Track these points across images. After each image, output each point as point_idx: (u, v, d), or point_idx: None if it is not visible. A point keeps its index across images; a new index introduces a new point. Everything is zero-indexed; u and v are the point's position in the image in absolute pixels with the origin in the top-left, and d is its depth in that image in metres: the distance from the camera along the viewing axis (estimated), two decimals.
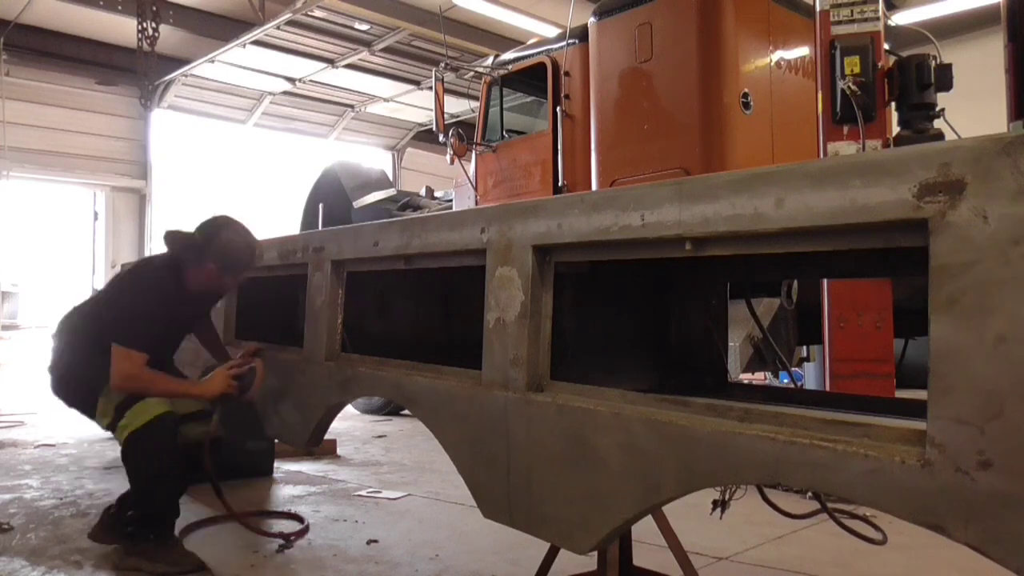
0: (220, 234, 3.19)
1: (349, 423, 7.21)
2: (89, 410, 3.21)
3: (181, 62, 12.62)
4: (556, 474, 1.84)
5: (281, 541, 3.40)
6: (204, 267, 3.19)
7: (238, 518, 3.49)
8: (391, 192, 8.63)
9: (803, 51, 5.65)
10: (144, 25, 10.11)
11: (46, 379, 3.33)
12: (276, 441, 4.60)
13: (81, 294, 12.05)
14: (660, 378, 2.64)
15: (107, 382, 3.08)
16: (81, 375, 3.21)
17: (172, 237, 3.31)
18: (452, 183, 8.00)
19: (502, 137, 6.87)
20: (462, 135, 6.63)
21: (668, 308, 2.70)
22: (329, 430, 3.01)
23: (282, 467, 5.01)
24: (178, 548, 3.15)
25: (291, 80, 14.04)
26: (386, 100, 15.41)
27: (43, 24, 12.04)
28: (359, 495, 4.32)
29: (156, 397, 3.09)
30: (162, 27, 10.33)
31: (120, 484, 3.57)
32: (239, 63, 12.68)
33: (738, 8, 5.23)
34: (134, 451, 3.07)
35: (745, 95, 5.17)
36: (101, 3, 11.02)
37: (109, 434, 3.25)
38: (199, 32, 11.88)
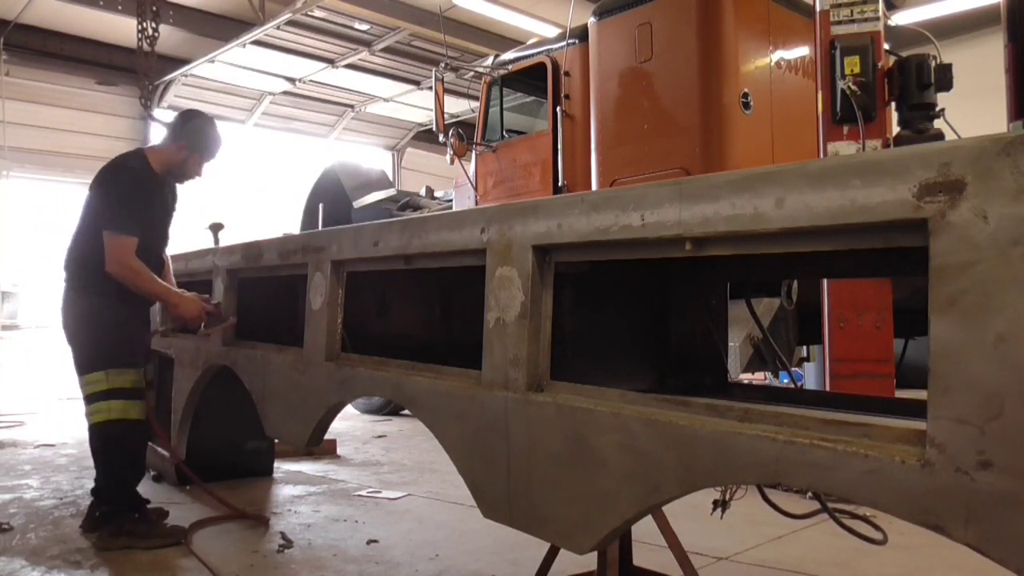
0: (195, 118, 3.60)
1: (349, 423, 7.21)
2: (85, 364, 3.35)
3: (181, 62, 12.62)
4: (556, 474, 1.84)
5: (281, 541, 3.40)
6: (175, 144, 3.52)
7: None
8: (391, 192, 8.63)
9: (803, 51, 5.65)
10: (144, 25, 10.08)
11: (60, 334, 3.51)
12: (276, 441, 4.60)
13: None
14: (660, 378, 2.64)
15: (112, 363, 3.30)
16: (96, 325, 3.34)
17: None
18: (452, 183, 8.00)
19: (502, 137, 6.87)
20: (462, 135, 6.63)
21: (668, 308, 2.70)
22: (329, 430, 3.01)
23: (282, 467, 5.01)
24: (161, 524, 3.41)
25: (291, 80, 14.05)
26: (386, 100, 15.42)
27: (43, 24, 12.05)
28: (359, 495, 4.32)
29: (142, 292, 3.37)
30: (162, 27, 10.29)
31: None
32: (239, 63, 12.69)
33: (738, 8, 5.23)
34: (114, 438, 3.32)
35: (745, 95, 5.17)
36: (101, 3, 11.03)
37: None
38: (199, 32, 11.89)
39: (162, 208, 3.59)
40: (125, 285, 3.34)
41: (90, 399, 3.36)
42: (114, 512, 3.35)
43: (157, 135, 13.77)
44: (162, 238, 3.65)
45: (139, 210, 3.38)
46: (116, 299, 3.38)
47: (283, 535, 3.49)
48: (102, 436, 3.35)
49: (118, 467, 3.39)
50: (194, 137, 3.53)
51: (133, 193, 3.38)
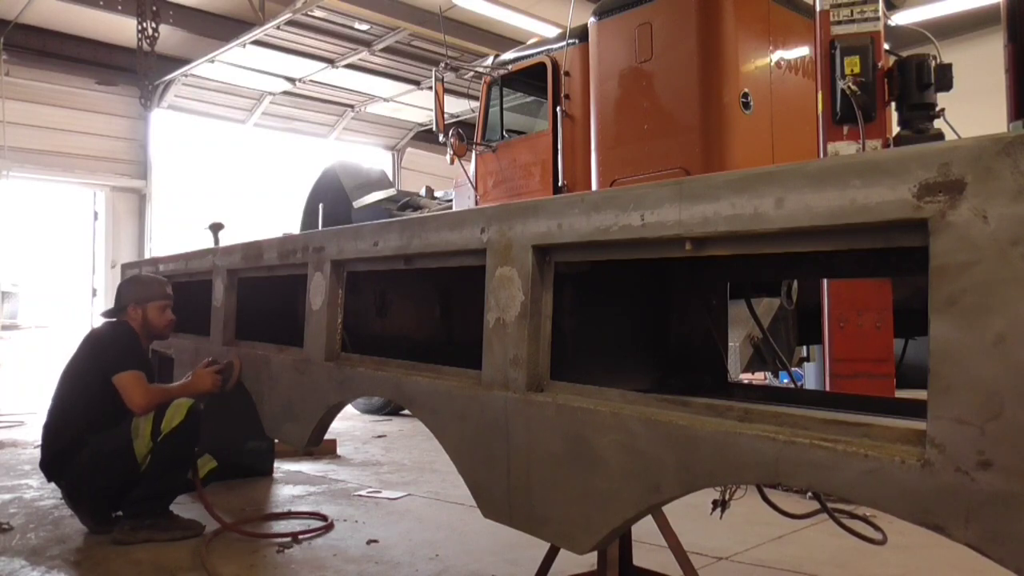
0: (124, 284, 3.87)
1: (349, 423, 7.21)
2: (128, 470, 3.39)
3: (181, 62, 12.61)
4: (556, 474, 1.84)
5: (284, 541, 3.40)
6: (130, 313, 3.71)
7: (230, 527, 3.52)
8: (391, 192, 8.63)
9: (803, 51, 5.65)
10: (144, 25, 10.10)
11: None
12: (276, 441, 4.60)
13: (80, 295, 12.07)
14: (660, 378, 2.64)
15: (128, 432, 3.38)
16: (105, 453, 3.41)
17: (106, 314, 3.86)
18: (452, 183, 8.00)
19: (502, 137, 6.87)
20: (462, 135, 6.62)
21: (668, 308, 2.70)
22: (329, 430, 3.01)
23: (282, 467, 5.01)
24: (180, 518, 3.50)
25: (291, 80, 14.03)
26: (386, 100, 15.40)
27: (43, 24, 12.03)
28: (359, 495, 4.32)
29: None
30: (162, 27, 10.32)
31: None
32: (239, 63, 12.67)
33: (738, 8, 5.23)
34: (173, 444, 3.40)
35: (745, 95, 5.17)
36: (101, 3, 11.01)
37: None
38: (199, 32, 11.87)
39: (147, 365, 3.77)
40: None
41: (146, 434, 3.41)
42: (140, 508, 3.41)
43: (157, 135, 13.82)
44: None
45: (135, 357, 3.62)
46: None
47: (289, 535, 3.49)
48: (170, 444, 3.41)
49: (180, 469, 3.51)
50: (135, 294, 3.75)
51: (127, 342, 3.63)
